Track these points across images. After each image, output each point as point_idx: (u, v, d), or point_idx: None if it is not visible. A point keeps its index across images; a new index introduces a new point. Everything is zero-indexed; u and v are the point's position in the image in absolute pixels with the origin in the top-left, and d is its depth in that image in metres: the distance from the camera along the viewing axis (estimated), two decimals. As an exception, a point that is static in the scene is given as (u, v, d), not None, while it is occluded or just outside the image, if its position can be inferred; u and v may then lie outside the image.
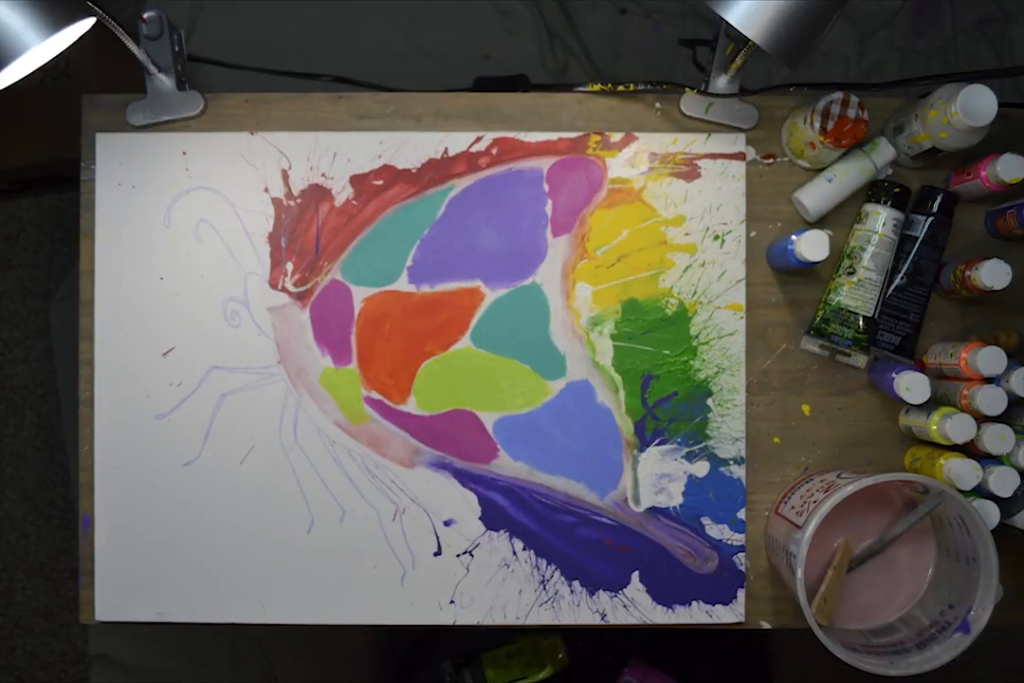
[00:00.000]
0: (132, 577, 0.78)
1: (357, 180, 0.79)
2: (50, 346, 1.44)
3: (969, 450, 0.75)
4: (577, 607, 0.78)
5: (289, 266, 0.79)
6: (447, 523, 0.78)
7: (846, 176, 0.77)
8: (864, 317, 0.76)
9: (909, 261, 0.77)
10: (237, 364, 0.78)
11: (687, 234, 0.79)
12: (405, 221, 0.79)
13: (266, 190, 0.79)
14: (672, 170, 0.79)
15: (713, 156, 0.79)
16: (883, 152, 0.77)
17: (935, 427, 0.74)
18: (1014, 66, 1.18)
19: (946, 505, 0.71)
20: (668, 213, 0.79)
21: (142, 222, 0.78)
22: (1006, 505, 0.73)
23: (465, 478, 0.78)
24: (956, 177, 0.78)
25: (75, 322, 0.79)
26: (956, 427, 0.72)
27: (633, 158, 0.79)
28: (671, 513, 0.78)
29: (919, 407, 0.77)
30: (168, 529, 0.78)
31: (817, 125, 0.73)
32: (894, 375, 0.75)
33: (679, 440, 0.79)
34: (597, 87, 0.80)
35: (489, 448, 0.79)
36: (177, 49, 0.78)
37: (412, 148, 0.79)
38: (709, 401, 0.79)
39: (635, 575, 0.78)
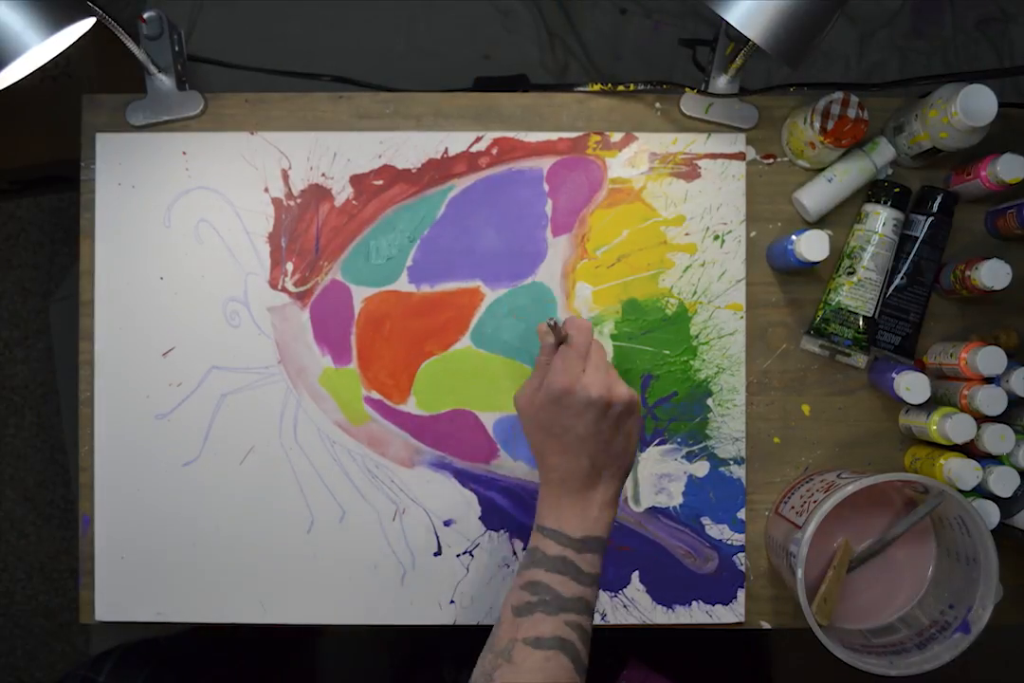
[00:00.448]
0: (132, 577, 0.78)
1: (357, 180, 0.79)
2: (50, 346, 1.44)
3: (969, 450, 0.75)
4: (577, 607, 0.78)
5: (289, 266, 0.79)
6: (447, 523, 0.78)
7: (846, 176, 0.77)
8: (864, 317, 0.76)
9: (909, 261, 0.77)
10: (237, 364, 0.78)
11: (687, 234, 0.79)
12: (405, 221, 0.79)
13: (266, 190, 0.79)
14: (672, 170, 0.79)
15: (713, 156, 0.79)
16: (883, 152, 0.77)
17: (935, 427, 0.74)
18: (1014, 66, 1.18)
19: (946, 505, 0.71)
20: (668, 213, 0.79)
21: (142, 222, 0.78)
22: (1006, 505, 0.73)
23: (465, 478, 0.78)
24: (956, 177, 0.78)
25: (75, 322, 0.79)
26: (956, 427, 0.72)
27: (633, 158, 0.79)
28: (671, 513, 0.78)
29: (919, 407, 0.77)
30: (168, 529, 0.78)
31: (817, 125, 0.73)
32: (894, 375, 0.75)
33: (679, 440, 0.79)
34: (597, 87, 0.80)
35: (489, 448, 0.79)
36: (177, 49, 0.78)
37: (412, 148, 0.79)
38: (709, 401, 0.79)
39: (635, 575, 0.78)
